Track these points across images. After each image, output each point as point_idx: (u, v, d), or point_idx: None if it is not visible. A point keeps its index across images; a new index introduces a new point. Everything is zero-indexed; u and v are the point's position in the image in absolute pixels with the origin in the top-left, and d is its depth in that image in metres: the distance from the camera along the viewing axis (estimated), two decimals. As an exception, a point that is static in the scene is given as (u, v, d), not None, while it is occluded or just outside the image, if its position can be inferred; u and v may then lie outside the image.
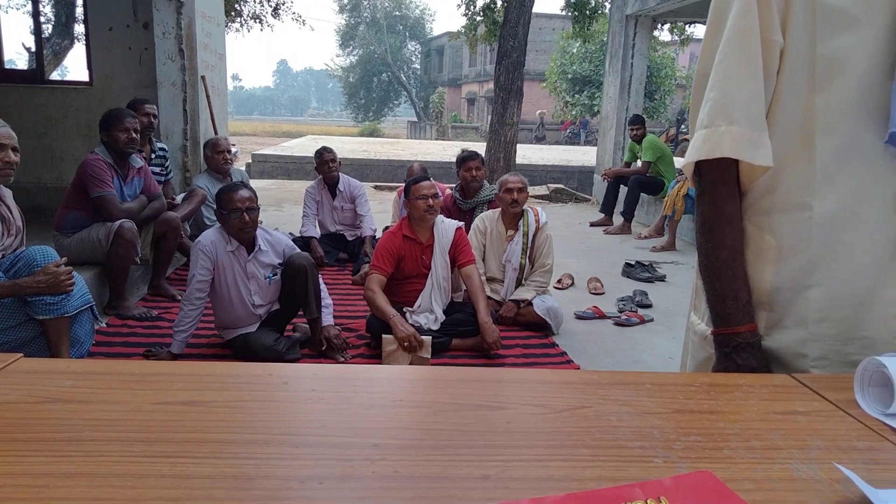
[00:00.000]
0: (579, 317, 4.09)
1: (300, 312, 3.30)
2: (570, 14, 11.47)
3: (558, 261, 5.46)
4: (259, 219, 3.17)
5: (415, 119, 40.99)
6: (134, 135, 3.74)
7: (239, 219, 2.95)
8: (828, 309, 1.01)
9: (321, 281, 3.25)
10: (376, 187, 10.82)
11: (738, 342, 1.04)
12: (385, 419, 0.74)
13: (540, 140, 26.89)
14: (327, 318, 3.26)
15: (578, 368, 3.25)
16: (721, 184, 1.06)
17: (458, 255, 3.48)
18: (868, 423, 0.76)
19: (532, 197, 10.87)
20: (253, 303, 3.13)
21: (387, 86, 43.68)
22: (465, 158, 4.46)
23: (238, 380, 0.83)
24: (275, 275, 3.15)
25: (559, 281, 4.87)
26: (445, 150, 18.05)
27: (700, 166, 1.06)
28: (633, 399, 0.82)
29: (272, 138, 29.74)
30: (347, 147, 18.20)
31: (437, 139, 30.47)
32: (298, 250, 3.25)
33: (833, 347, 1.02)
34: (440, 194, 5.06)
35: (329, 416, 0.74)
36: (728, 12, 1.02)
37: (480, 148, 11.49)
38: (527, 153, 16.88)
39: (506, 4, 10.54)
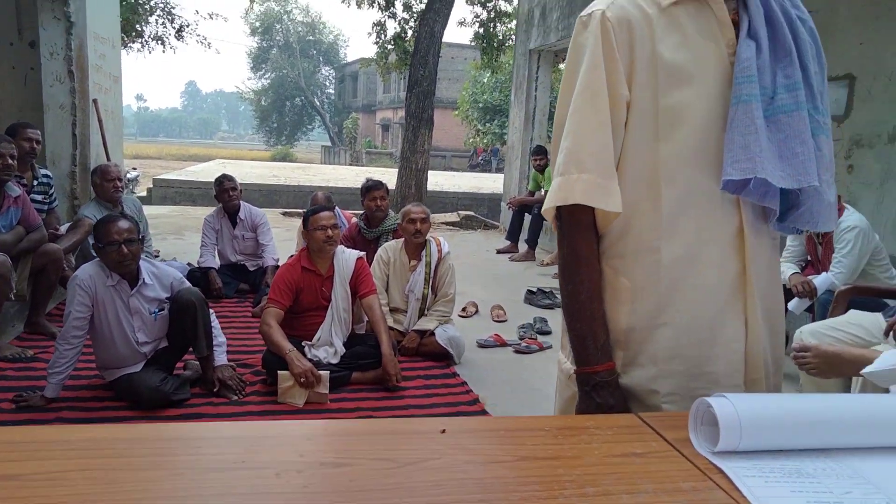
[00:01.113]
0: (481, 345, 4.14)
1: (191, 349, 3.15)
2: (478, 46, 11.81)
3: (464, 288, 5.54)
4: (156, 250, 3.01)
5: (329, 144, 40.68)
6: (10, 161, 3.48)
7: (116, 251, 2.79)
8: (676, 347, 1.07)
9: (213, 317, 3.12)
10: (284, 213, 10.61)
11: (596, 381, 1.08)
12: (221, 485, 0.70)
13: (475, 168, 27.44)
14: (220, 357, 3.13)
15: (477, 398, 3.28)
16: (578, 228, 1.10)
17: (359, 285, 3.44)
18: (698, 462, 0.80)
19: (443, 224, 10.99)
20: (137, 340, 2.96)
21: (300, 110, 43.18)
22: (370, 188, 4.45)
23: (67, 447, 0.77)
24: (161, 310, 3.00)
25: (464, 309, 4.91)
26: (358, 176, 17.94)
27: (559, 211, 1.11)
28: (485, 447, 0.82)
29: (178, 162, 28.65)
30: (256, 172, 17.78)
31: (350, 164, 30.35)
32: (188, 284, 3.12)
33: (682, 383, 1.07)
34: (345, 223, 5.05)
35: (159, 484, 0.70)
36: (579, 67, 1.08)
37: (394, 174, 11.56)
38: (439, 180, 17.07)
39: (416, 34, 10.73)
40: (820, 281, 3.34)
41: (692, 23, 1.05)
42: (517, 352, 4.07)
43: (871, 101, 5.30)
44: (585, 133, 1.06)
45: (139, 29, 10.76)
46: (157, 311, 2.98)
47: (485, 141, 26.65)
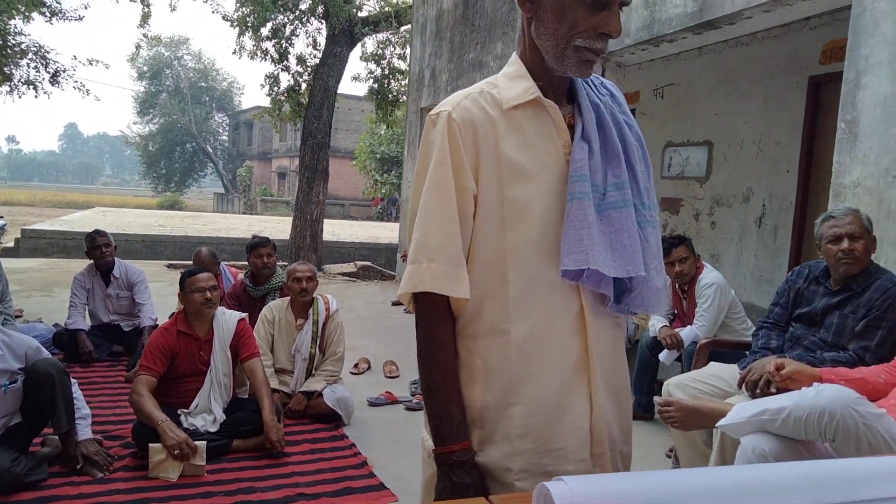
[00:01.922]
0: (372, 403, 4.08)
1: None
2: (373, 100, 12.00)
3: (357, 343, 5.48)
4: (19, 310, 2.75)
5: (222, 191, 39.42)
6: None
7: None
8: (527, 425, 1.12)
9: (76, 387, 2.89)
10: (170, 266, 10.10)
11: (453, 460, 1.10)
12: None
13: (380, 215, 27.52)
14: (84, 431, 2.89)
15: (365, 461, 3.21)
16: (433, 312, 1.14)
17: (241, 348, 3.32)
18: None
19: (339, 274, 10.86)
20: (-15, 417, 2.68)
21: (191, 156, 41.65)
22: (255, 245, 4.35)
23: None
24: (13, 382, 2.73)
25: (356, 365, 4.84)
26: (251, 226, 17.50)
27: (416, 297, 1.15)
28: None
29: (54, 209, 26.75)
30: (141, 221, 16.91)
31: (244, 213, 29.51)
32: (45, 353, 2.87)
33: (533, 460, 1.11)
34: (230, 280, 4.87)
35: None
36: (430, 162, 1.14)
37: (289, 222, 11.34)
38: (336, 229, 16.95)
39: (310, 87, 10.75)
40: (686, 333, 3.59)
41: (531, 125, 1.14)
42: (408, 409, 4.04)
43: (727, 165, 5.86)
44: (433, 225, 1.12)
45: (7, 72, 10.06)
46: (7, 383, 2.71)
47: (383, 191, 26.85)
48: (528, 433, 1.11)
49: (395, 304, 7.68)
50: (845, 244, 2.37)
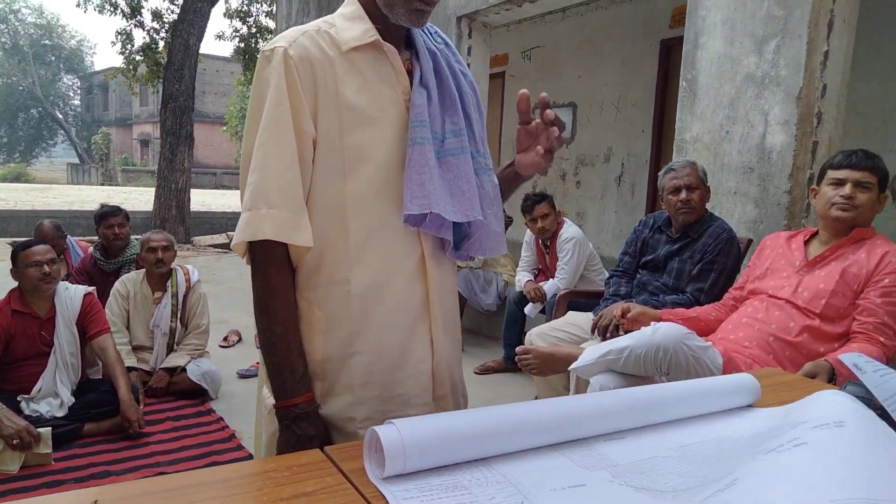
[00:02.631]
0: (242, 375, 3.94)
1: None
2: (240, 61, 11.38)
3: (227, 315, 5.26)
4: None
5: (76, 161, 36.10)
6: None
7: None
8: (369, 373, 1.11)
9: None
10: (12, 244, 9.12)
11: (296, 413, 1.07)
12: None
13: None
14: None
15: (233, 434, 3.10)
16: (271, 262, 1.09)
17: (89, 325, 3.06)
18: (367, 492, 0.81)
19: (210, 246, 10.35)
20: None
21: (38, 122, 37.69)
22: (105, 214, 3.99)
23: None
24: None
25: (225, 339, 4.66)
26: (110, 198, 16.16)
27: (252, 246, 1.08)
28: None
29: None
30: (-23, 195, 15.15)
31: (103, 184, 27.28)
32: None
33: (376, 408, 1.11)
34: (80, 253, 4.47)
35: None
36: (264, 101, 1.07)
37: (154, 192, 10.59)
38: (206, 199, 16.10)
39: (169, 46, 9.99)
40: (548, 286, 3.75)
41: (371, 69, 1.11)
42: (281, 378, 3.94)
43: (590, 126, 6.13)
44: (272, 169, 1.05)
45: None
46: None
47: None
48: (370, 381, 1.11)
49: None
50: (683, 195, 2.55)
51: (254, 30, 11.08)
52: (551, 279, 3.82)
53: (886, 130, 3.99)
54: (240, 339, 4.73)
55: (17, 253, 2.92)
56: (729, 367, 1.88)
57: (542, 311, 3.80)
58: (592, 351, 2.00)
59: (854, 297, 1.92)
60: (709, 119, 3.00)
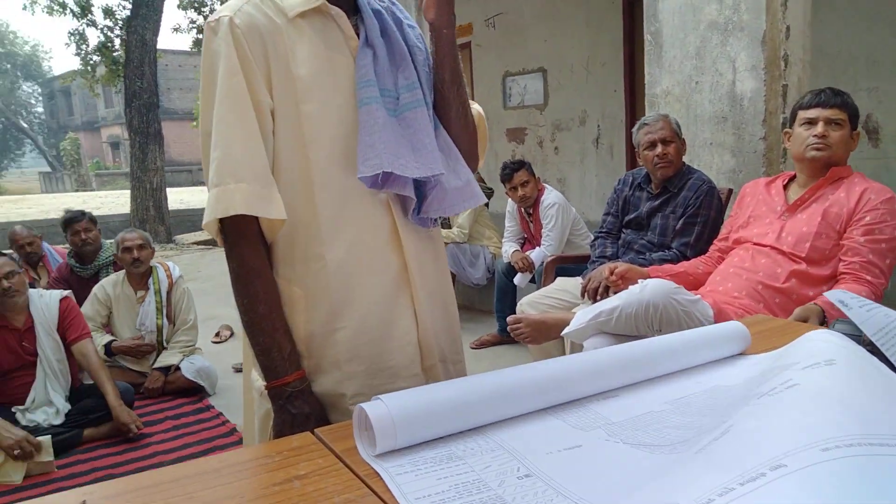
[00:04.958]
0: (238, 369, 3.91)
1: None
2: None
3: (217, 311, 5.22)
4: None
5: (48, 170, 35.42)
6: None
7: None
8: (354, 347, 1.09)
9: None
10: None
11: (289, 392, 1.06)
12: None
13: None
14: None
15: (235, 427, 3.10)
16: (245, 239, 1.06)
17: (68, 330, 3.02)
18: (360, 470, 0.80)
19: (193, 244, 10.25)
20: None
21: (2, 133, 36.87)
22: (68, 221, 3.90)
23: None
24: None
25: (217, 334, 4.63)
26: (86, 203, 15.94)
27: (223, 224, 1.05)
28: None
29: None
30: (-51, 212, 14.83)
31: (78, 190, 26.82)
32: None
33: (365, 382, 1.10)
34: (58, 260, 4.40)
35: None
36: (216, 75, 1.03)
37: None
38: (184, 197, 15.89)
39: (125, 43, 9.74)
40: (535, 255, 3.75)
41: (319, 35, 1.08)
42: (275, 368, 3.93)
43: (561, 90, 6.09)
44: (235, 142, 1.02)
45: None
46: None
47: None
48: (356, 356, 1.09)
49: (255, 265, 7.37)
50: (659, 149, 2.54)
51: (212, 19, 10.86)
52: (538, 247, 3.82)
53: (856, 71, 3.99)
54: (232, 334, 4.70)
55: (-23, 269, 2.86)
56: (720, 318, 1.89)
57: (532, 280, 3.80)
58: (583, 314, 2.00)
59: (838, 238, 1.93)
60: (677, 71, 2.98)
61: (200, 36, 10.65)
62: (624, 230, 2.76)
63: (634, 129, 2.66)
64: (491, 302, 4.11)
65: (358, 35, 1.10)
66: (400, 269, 1.12)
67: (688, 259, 2.44)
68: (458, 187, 1.14)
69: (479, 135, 1.28)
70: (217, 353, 4.14)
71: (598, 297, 2.36)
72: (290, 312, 1.09)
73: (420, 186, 1.12)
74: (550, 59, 6.10)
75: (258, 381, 1.15)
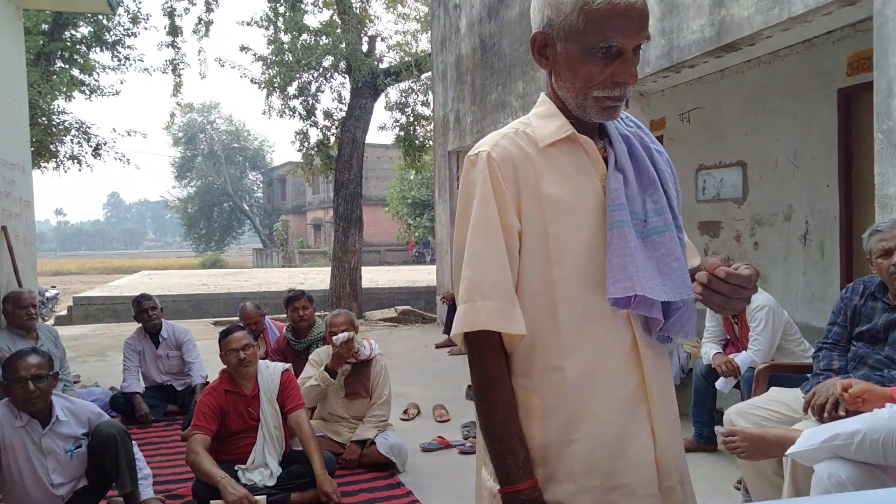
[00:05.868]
0: (425, 449, 4.04)
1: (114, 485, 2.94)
2: (401, 147, 12.23)
3: (404, 389, 5.46)
4: (76, 375, 2.83)
5: (260, 246, 40.27)
6: None
7: (23, 388, 2.62)
8: (591, 461, 1.11)
9: (136, 448, 2.95)
10: (216, 323, 10.27)
11: (522, 499, 1.10)
12: None
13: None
14: (146, 491, 2.93)
15: (423, 509, 3.17)
16: (487, 351, 1.15)
17: (286, 400, 3.34)
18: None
19: (381, 321, 10.90)
20: (52, 482, 2.74)
21: (228, 215, 42.84)
22: (291, 299, 4.40)
23: None
24: (78, 447, 2.80)
25: (405, 412, 4.82)
26: (291, 278, 17.78)
27: (468, 336, 1.15)
28: None
29: (102, 276, 27.61)
30: (185, 282, 17.33)
31: (283, 266, 30.03)
32: (106, 416, 2.94)
33: (599, 497, 1.10)
34: (276, 333, 4.94)
35: None
36: (472, 202, 1.16)
37: (328, 272, 11.50)
38: (374, 276, 17.08)
39: (339, 140, 11.03)
40: (741, 359, 3.49)
41: (568, 161, 1.17)
42: (462, 453, 3.99)
43: (763, 184, 5.77)
44: (483, 263, 1.13)
45: (53, 149, 10.58)
46: (73, 448, 2.78)
47: (416, 234, 27.07)
48: (592, 469, 1.10)
49: (440, 346, 7.66)
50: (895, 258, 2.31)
51: (411, 118, 11.91)
52: (743, 351, 3.56)
53: None
54: (419, 413, 4.88)
55: (221, 340, 3.31)
56: None
57: (736, 387, 3.53)
58: (813, 434, 1.83)
59: None
60: (917, 171, 2.72)
61: (402, 132, 11.73)
62: (854, 343, 2.50)
63: (865, 235, 2.45)
64: (684, 403, 3.86)
65: (605, 159, 1.18)
66: (638, 385, 1.14)
67: (938, 380, 2.14)
68: (695, 312, 1.17)
69: None
70: (405, 431, 4.30)
71: (827, 416, 2.14)
72: (527, 420, 1.15)
73: (665, 307, 1.14)
74: (751, 153, 5.85)
75: (489, 480, 1.20)
